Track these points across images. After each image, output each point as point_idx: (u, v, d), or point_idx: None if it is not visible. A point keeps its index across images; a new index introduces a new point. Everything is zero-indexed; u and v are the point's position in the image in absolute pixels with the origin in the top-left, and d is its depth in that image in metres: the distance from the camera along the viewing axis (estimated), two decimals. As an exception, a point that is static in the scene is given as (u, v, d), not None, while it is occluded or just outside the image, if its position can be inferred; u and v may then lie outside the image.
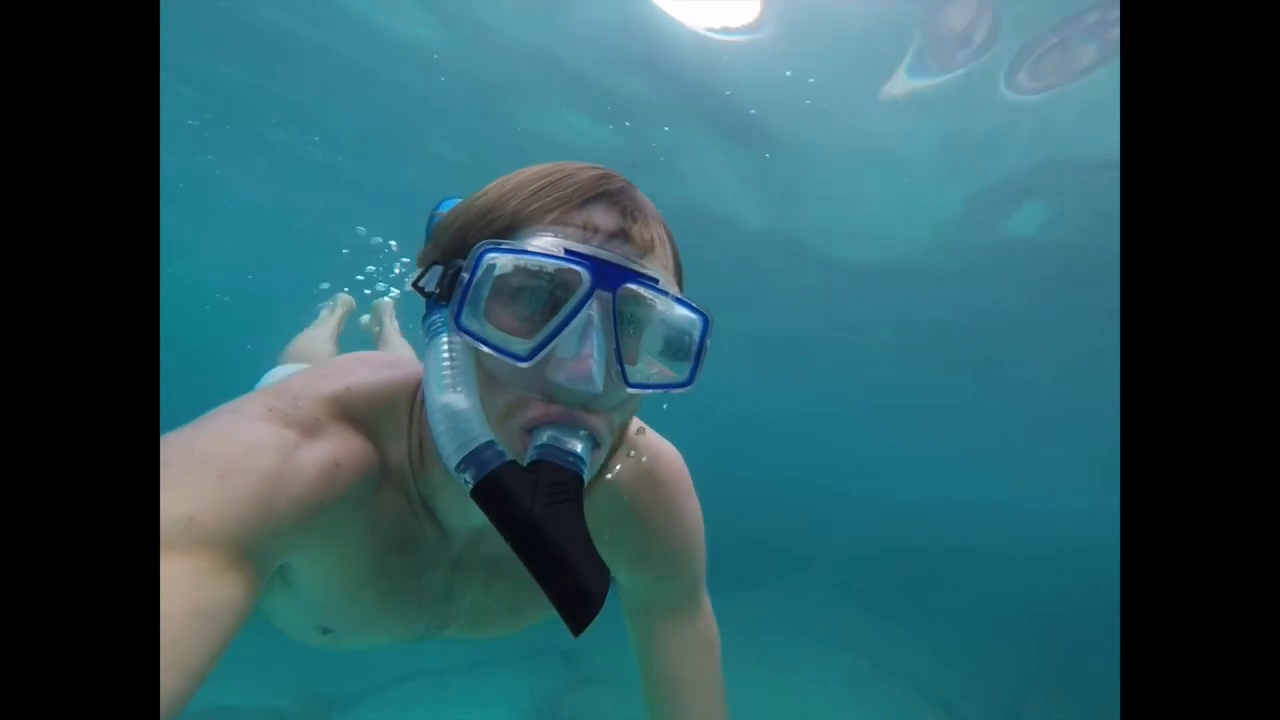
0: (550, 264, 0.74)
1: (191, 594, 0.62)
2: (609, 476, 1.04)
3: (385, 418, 0.90)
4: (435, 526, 0.95)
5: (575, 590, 0.69)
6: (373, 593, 0.95)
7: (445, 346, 0.78)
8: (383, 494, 0.90)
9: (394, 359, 1.03)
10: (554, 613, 1.09)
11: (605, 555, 1.07)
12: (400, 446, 0.90)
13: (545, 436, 0.73)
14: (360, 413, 0.88)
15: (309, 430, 0.82)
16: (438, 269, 0.80)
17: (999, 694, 7.59)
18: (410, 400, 0.92)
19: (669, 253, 0.82)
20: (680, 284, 0.85)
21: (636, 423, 1.13)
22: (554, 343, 0.73)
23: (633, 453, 1.08)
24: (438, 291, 0.79)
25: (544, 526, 0.69)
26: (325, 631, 1.04)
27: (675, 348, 0.82)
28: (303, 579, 0.91)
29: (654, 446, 1.13)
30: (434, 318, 0.81)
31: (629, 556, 1.15)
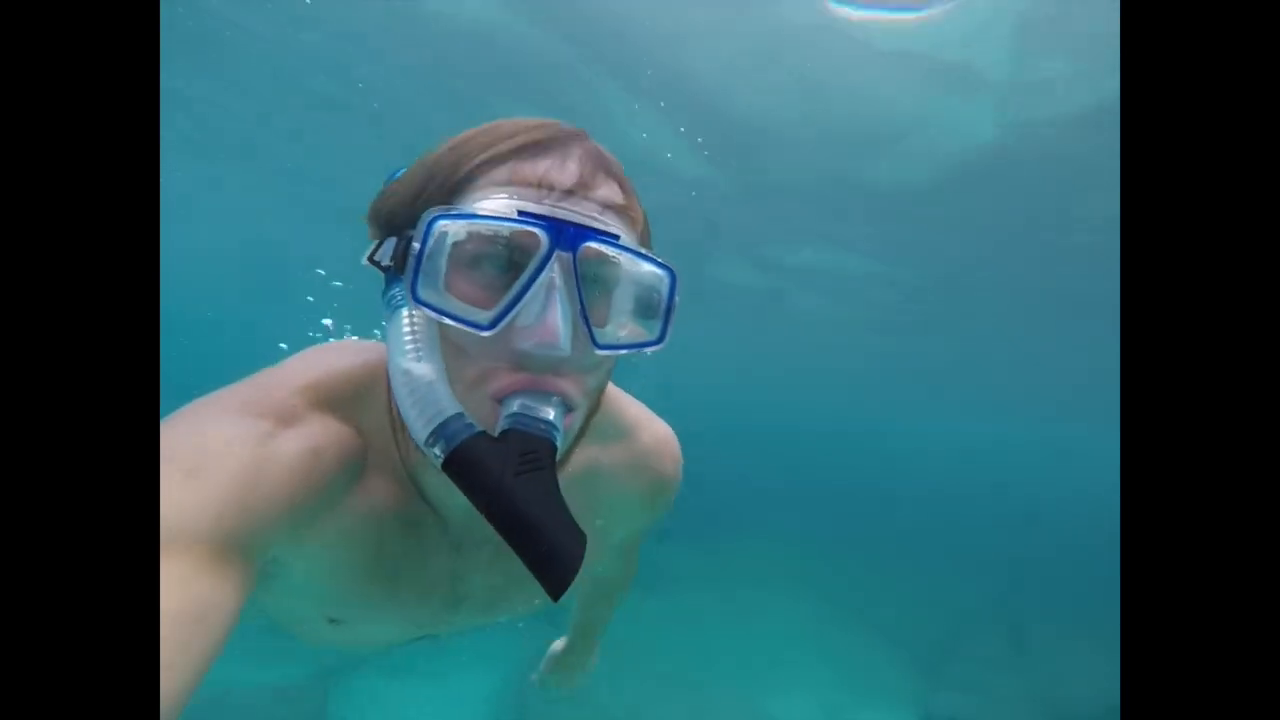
0: (505, 227, 0.69)
1: (172, 595, 0.59)
2: (605, 463, 1.01)
3: (365, 399, 0.85)
4: (430, 508, 0.90)
5: (551, 556, 0.66)
6: (374, 580, 0.89)
7: (406, 320, 0.74)
8: (370, 479, 0.85)
9: (371, 344, 0.98)
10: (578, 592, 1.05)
11: (598, 530, 1.02)
12: (383, 427, 0.86)
13: (516, 405, 0.69)
14: (338, 397, 0.83)
15: (284, 419, 0.77)
16: (391, 241, 0.75)
17: (939, 628, 7.90)
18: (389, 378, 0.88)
19: (632, 204, 0.77)
20: (647, 237, 0.80)
21: (634, 407, 1.09)
22: (516, 309, 0.68)
23: (623, 433, 1.04)
24: (393, 265, 0.74)
25: (516, 495, 0.66)
26: (333, 622, 0.99)
27: (644, 305, 0.77)
28: (300, 572, 0.85)
29: (659, 436, 1.09)
30: (393, 291, 0.76)
31: (621, 529, 1.14)
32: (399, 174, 0.80)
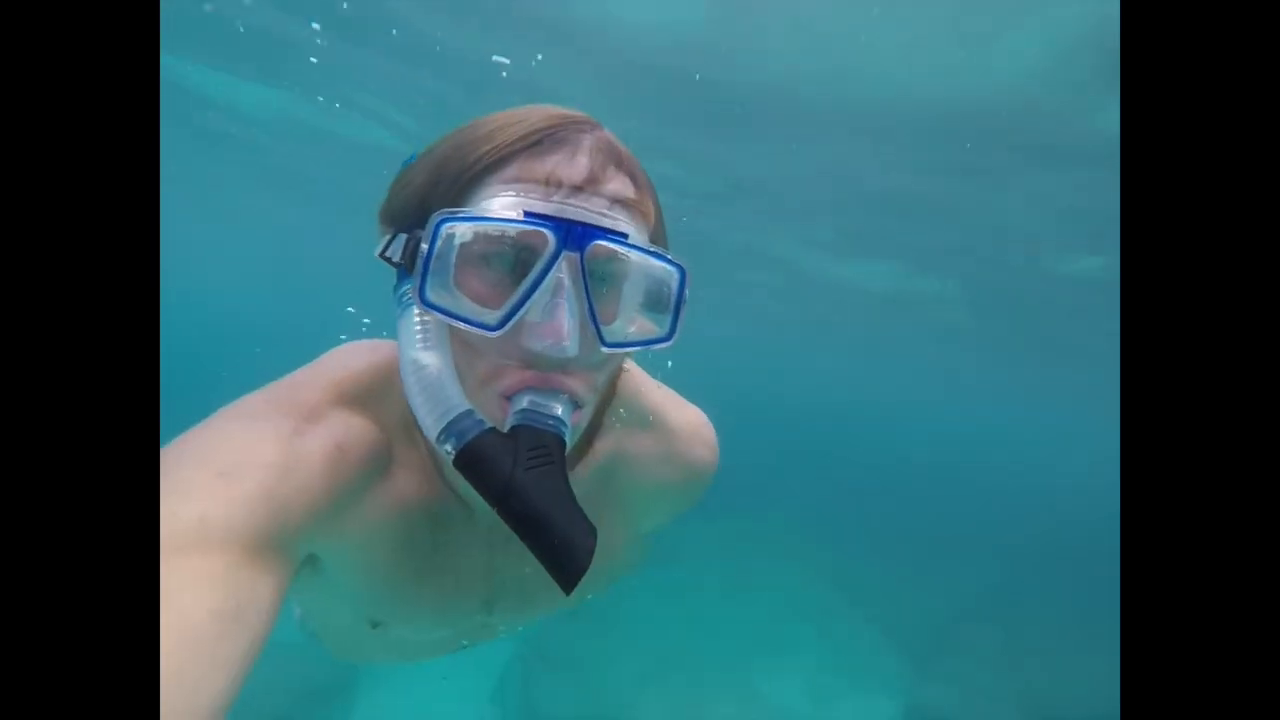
0: (512, 228, 0.67)
1: (212, 594, 0.59)
2: (633, 452, 0.99)
3: (388, 394, 0.84)
4: (459, 501, 0.89)
5: (562, 549, 0.66)
6: (408, 572, 0.89)
7: (417, 318, 0.73)
8: (397, 473, 0.84)
9: (392, 342, 0.97)
10: (602, 586, 1.04)
11: (628, 522, 1.02)
12: (407, 421, 0.85)
13: (525, 402, 0.69)
14: (361, 394, 0.83)
15: (309, 417, 0.77)
16: (402, 237, 0.73)
17: (935, 619, 7.82)
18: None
19: (643, 198, 0.74)
20: (660, 229, 0.78)
21: (660, 392, 1.05)
22: (524, 308, 0.67)
23: (651, 420, 1.01)
24: (403, 263, 0.72)
25: (526, 490, 0.66)
26: (374, 625, 0.98)
27: (654, 300, 0.76)
28: (336, 568, 0.85)
29: (691, 422, 1.05)
30: (404, 288, 0.74)
31: (656, 519, 1.11)
32: (412, 159, 0.78)
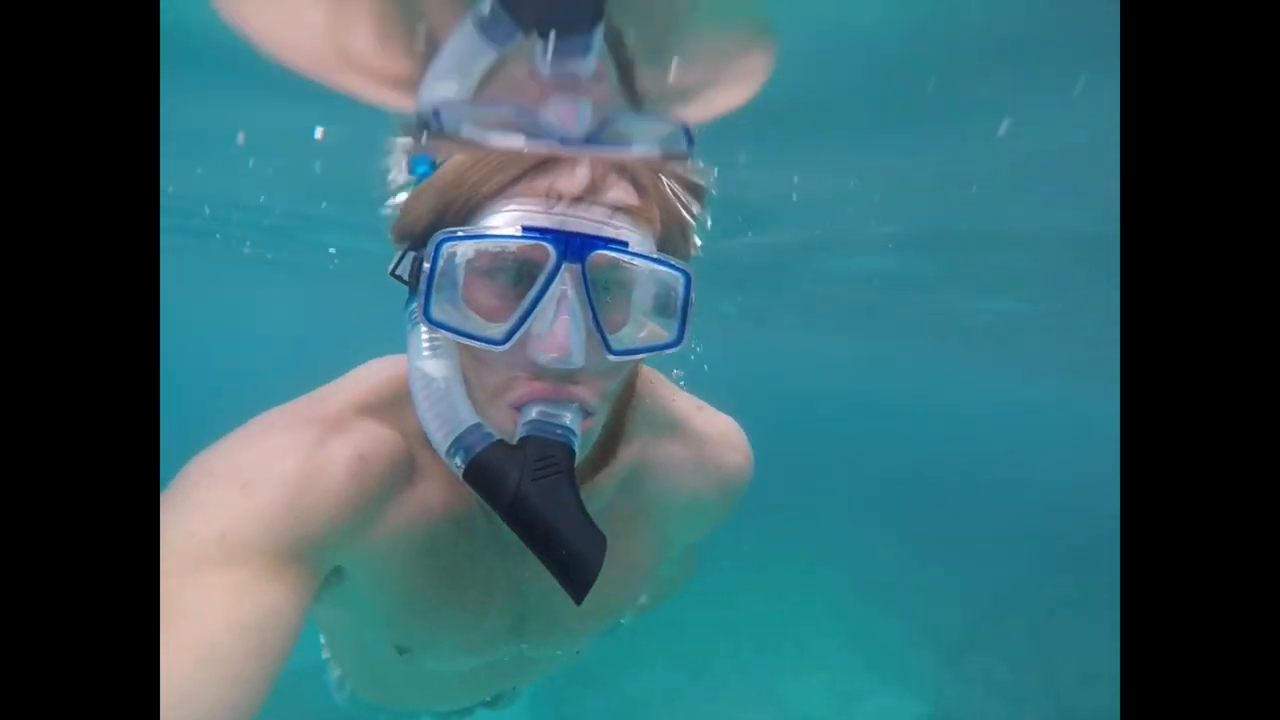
0: (513, 244, 0.67)
1: (233, 608, 0.59)
2: (658, 460, 0.97)
3: (410, 404, 0.81)
4: (483, 511, 0.88)
5: (571, 558, 0.66)
6: (429, 583, 0.88)
7: (425, 332, 0.73)
8: (421, 483, 0.84)
9: None
10: (636, 601, 1.03)
11: (660, 533, 1.00)
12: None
13: (534, 412, 0.69)
14: (384, 404, 0.83)
15: (332, 428, 0.77)
16: (411, 256, 0.74)
17: (967, 617, 7.53)
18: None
19: (648, 204, 0.73)
20: (673, 234, 0.77)
21: (683, 399, 1.03)
22: (529, 321, 0.67)
23: (677, 427, 0.99)
24: (411, 281, 0.73)
25: (533, 500, 0.66)
26: (402, 651, 0.98)
27: (662, 303, 0.75)
28: (360, 582, 0.85)
29: (720, 429, 1.04)
30: (413, 306, 0.75)
31: (696, 532, 1.10)
32: (424, 177, 0.78)
